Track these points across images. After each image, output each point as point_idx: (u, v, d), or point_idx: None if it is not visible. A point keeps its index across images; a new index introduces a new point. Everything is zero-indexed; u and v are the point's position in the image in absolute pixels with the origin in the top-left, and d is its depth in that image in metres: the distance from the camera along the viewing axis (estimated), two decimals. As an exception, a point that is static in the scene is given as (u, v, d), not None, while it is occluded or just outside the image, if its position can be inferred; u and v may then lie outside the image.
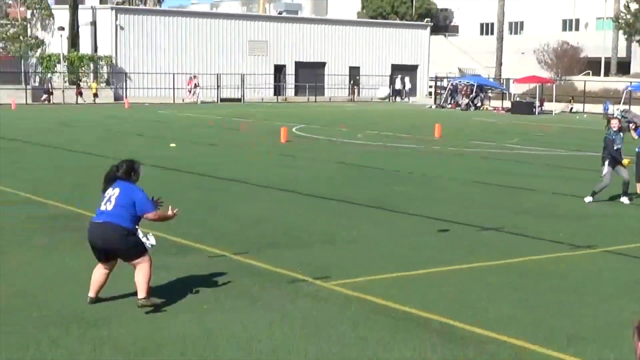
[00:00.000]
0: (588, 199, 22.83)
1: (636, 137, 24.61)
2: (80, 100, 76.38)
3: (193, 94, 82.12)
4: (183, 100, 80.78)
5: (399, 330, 11.62)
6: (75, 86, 78.04)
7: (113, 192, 12.41)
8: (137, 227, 12.41)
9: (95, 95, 77.75)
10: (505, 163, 33.64)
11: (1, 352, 10.53)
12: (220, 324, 11.87)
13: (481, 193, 25.02)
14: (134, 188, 12.53)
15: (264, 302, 12.90)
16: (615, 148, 22.74)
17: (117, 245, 12.27)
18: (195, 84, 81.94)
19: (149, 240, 12.51)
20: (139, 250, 12.33)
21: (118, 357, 10.52)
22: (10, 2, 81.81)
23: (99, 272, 12.65)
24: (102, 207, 12.39)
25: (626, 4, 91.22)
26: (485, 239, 18.22)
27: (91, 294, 12.67)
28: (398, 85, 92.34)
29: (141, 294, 12.21)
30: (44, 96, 75.31)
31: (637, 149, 24.10)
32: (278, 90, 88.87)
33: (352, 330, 11.58)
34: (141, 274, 12.25)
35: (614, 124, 23.27)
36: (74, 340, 11.02)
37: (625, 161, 22.89)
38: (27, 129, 46.74)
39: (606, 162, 22.89)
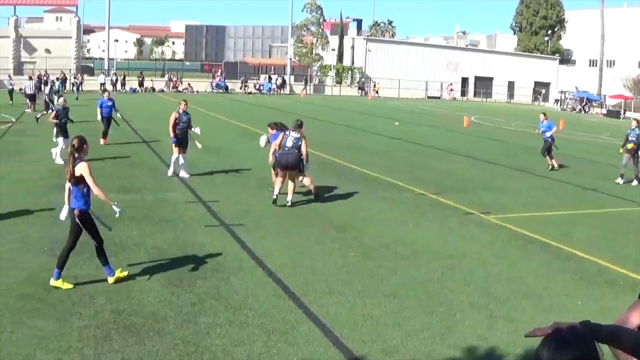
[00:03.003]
0: (635, 182, 20.12)
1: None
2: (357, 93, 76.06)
3: (449, 94, 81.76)
4: (440, 97, 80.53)
5: (529, 249, 11.60)
6: (361, 87, 78.50)
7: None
8: None
9: (377, 92, 75.58)
10: (600, 147, 32.17)
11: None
12: (419, 236, 12.13)
13: (585, 165, 24.18)
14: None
15: (448, 225, 13.08)
16: (629, 140, 20.21)
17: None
18: (451, 89, 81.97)
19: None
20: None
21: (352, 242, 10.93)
22: (305, 34, 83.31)
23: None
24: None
25: None
26: (586, 195, 17.72)
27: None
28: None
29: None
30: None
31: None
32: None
33: (502, 247, 11.65)
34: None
35: (633, 124, 20.43)
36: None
37: (629, 145, 20.19)
38: (307, 110, 47.83)
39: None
